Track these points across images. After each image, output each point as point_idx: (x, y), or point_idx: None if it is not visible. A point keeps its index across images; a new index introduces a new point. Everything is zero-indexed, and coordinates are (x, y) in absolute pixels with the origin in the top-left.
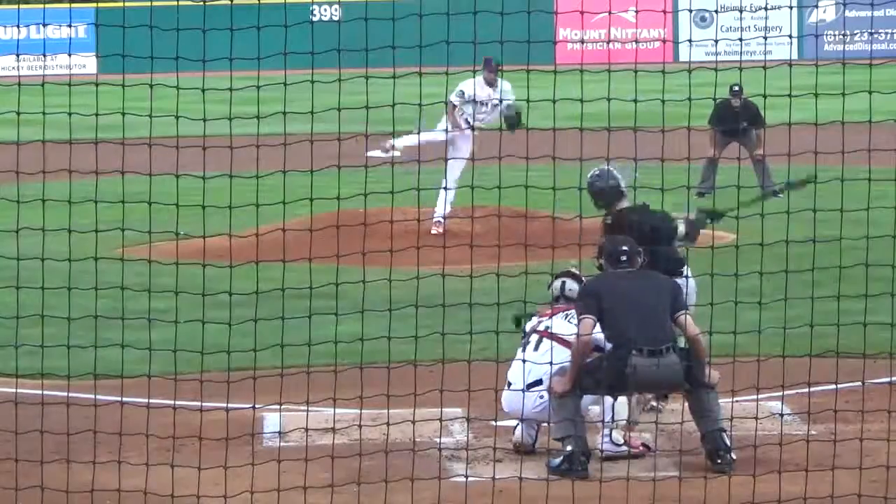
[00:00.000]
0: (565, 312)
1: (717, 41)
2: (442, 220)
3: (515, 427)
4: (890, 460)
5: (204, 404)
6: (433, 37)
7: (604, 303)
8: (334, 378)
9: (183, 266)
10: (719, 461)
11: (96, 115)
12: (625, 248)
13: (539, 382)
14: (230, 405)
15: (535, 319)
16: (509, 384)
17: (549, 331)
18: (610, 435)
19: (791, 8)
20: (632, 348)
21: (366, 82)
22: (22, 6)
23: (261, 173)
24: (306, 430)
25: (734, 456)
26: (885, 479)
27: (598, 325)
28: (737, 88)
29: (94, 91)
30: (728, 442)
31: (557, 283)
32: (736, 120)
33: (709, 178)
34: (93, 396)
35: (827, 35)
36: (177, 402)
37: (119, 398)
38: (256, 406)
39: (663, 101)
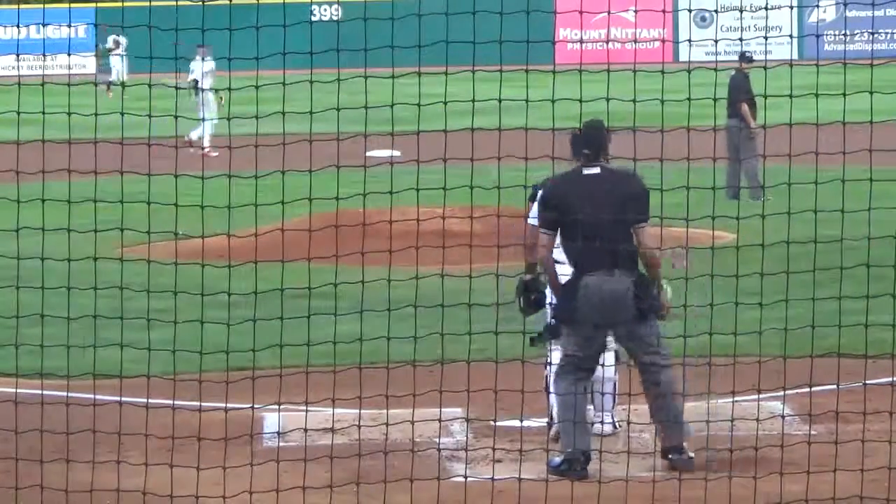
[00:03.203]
0: None
1: (717, 41)
2: None
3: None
4: (891, 461)
5: (203, 404)
6: (432, 37)
7: (561, 215)
8: (333, 378)
9: (182, 266)
10: (671, 456)
11: (95, 115)
12: (588, 140)
13: None
14: (229, 405)
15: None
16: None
17: None
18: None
19: (791, 8)
20: (584, 270)
21: (364, 82)
22: (22, 6)
23: (259, 173)
24: (305, 430)
25: (692, 454)
26: (887, 479)
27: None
28: (749, 54)
29: (93, 91)
30: (685, 446)
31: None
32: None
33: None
34: (92, 396)
35: (827, 35)
36: (176, 402)
37: (118, 398)
38: (256, 406)
39: (662, 101)
